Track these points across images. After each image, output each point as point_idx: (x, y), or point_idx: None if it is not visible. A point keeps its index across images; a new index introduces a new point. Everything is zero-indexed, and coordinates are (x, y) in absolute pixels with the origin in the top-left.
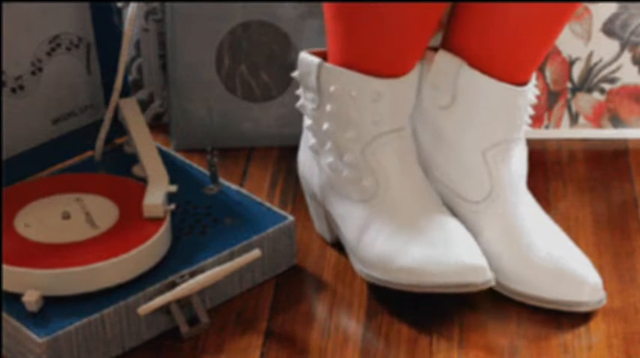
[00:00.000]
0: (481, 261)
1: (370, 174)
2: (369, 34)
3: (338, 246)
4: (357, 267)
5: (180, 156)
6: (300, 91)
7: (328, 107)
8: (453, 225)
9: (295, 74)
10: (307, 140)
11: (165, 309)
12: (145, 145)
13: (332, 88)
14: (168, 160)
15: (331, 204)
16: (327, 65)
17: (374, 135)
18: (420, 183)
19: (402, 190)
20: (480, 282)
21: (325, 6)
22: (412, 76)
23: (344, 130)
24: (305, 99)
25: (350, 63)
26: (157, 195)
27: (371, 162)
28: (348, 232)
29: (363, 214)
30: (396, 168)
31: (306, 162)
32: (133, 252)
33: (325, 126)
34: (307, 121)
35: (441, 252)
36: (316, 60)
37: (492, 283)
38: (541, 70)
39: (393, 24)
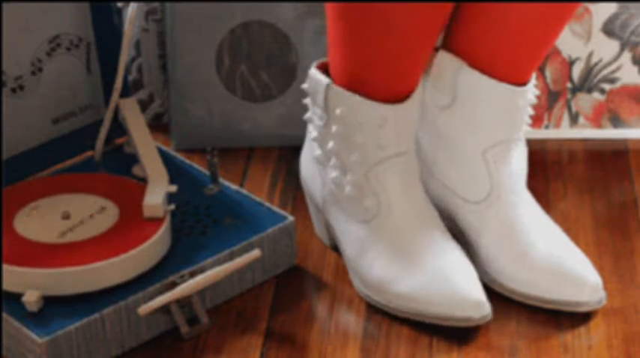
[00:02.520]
0: (480, 294)
1: (372, 195)
2: (373, 35)
3: (337, 248)
4: (356, 283)
5: (180, 156)
6: (307, 101)
7: (334, 128)
8: (453, 252)
9: (305, 86)
10: (312, 149)
11: (165, 309)
12: (145, 145)
13: (338, 111)
14: (168, 160)
15: (332, 217)
16: (335, 88)
17: (379, 159)
18: (422, 205)
19: (403, 213)
20: (478, 317)
21: (328, 6)
22: (416, 100)
23: (349, 152)
24: (313, 113)
25: (352, 71)
26: (156, 195)
27: (374, 184)
28: (348, 249)
29: (363, 234)
30: (399, 190)
31: (309, 168)
32: (133, 252)
33: (330, 144)
34: (313, 133)
35: (440, 282)
36: (325, 80)
37: (489, 318)
38: (541, 70)
39: (397, 25)
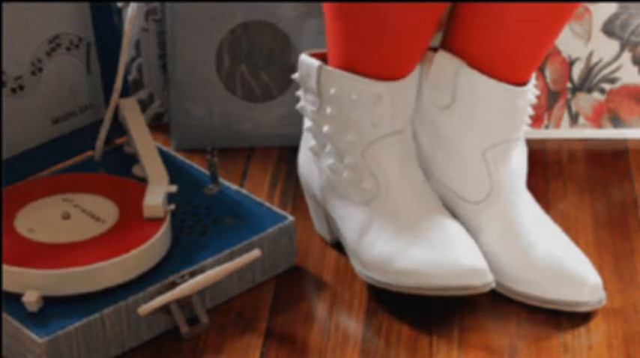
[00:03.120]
0: (481, 263)
1: (370, 176)
2: (370, 34)
3: (338, 246)
4: (357, 268)
5: (180, 156)
6: (300, 93)
7: (328, 110)
8: (453, 226)
9: (295, 76)
10: (307, 141)
11: (165, 309)
12: (145, 145)
13: (332, 91)
14: (168, 160)
15: (331, 206)
16: (327, 68)
17: (374, 137)
18: (420, 184)
19: (402, 192)
20: (480, 285)
21: (325, 6)
22: (412, 79)
23: (344, 133)
24: (305, 101)
25: (350, 65)
26: (157, 196)
27: (371, 165)
28: (348, 233)
29: (363, 216)
30: (396, 170)
31: (306, 163)
32: (133, 252)
33: (325, 128)
34: (307, 123)
35: (441, 255)
36: (316, 62)
37: (492, 285)
38: (541, 70)
39: (393, 24)
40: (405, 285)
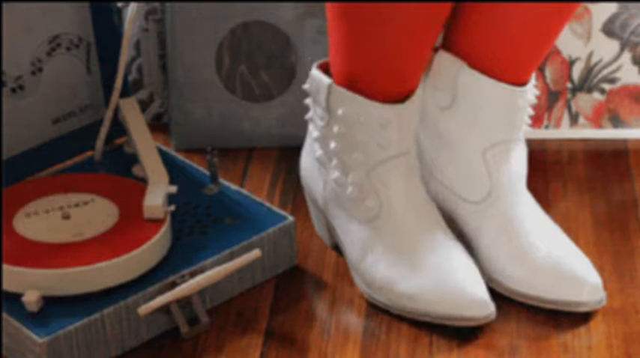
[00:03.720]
0: (483, 293)
1: (374, 195)
2: (373, 36)
3: (338, 248)
4: (358, 282)
5: (180, 156)
6: (309, 102)
7: (336, 128)
8: (456, 251)
9: (306, 86)
10: (313, 150)
11: (165, 309)
12: (145, 145)
13: (340, 112)
14: (168, 160)
15: (334, 218)
16: (337, 88)
17: (381, 159)
18: (423, 204)
19: (405, 213)
20: (482, 316)
21: (328, 6)
22: (416, 100)
23: (351, 152)
24: (314, 113)
25: (353, 72)
26: (157, 196)
27: (375, 184)
28: (350, 249)
29: (365, 234)
30: (401, 190)
31: (310, 168)
32: (133, 252)
33: (332, 144)
34: (314, 133)
35: (444, 283)
36: (326, 80)
37: (493, 317)
38: (541, 70)
39: (396, 25)
40: (406, 310)
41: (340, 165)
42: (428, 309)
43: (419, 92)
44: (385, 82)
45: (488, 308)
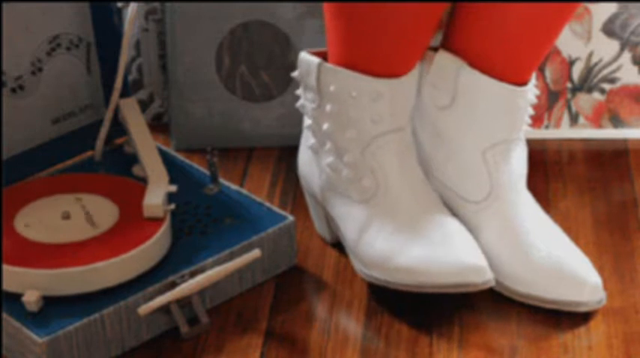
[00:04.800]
0: (481, 260)
1: (370, 174)
2: (370, 33)
3: (338, 246)
4: (357, 266)
5: (180, 156)
6: (300, 91)
7: (328, 107)
8: (452, 224)
9: (295, 74)
10: (307, 140)
11: (165, 309)
12: (145, 145)
13: (332, 88)
14: (168, 160)
15: (331, 205)
16: (327, 65)
17: (374, 135)
18: (419, 182)
19: (401, 190)
20: (480, 282)
21: (325, 5)
22: (412, 76)
23: (344, 130)
24: (305, 99)
25: (350, 63)
26: (157, 195)
27: (370, 162)
28: (348, 232)
29: (362, 214)
30: (396, 168)
31: (306, 162)
32: (133, 252)
33: (325, 126)
34: (307, 121)
35: (440, 252)
36: (316, 60)
37: (492, 283)
38: (541, 70)
39: (393, 23)
40: (405, 283)
41: (334, 147)
42: (426, 280)
43: (415, 70)
44: (381, 68)
45: (486, 274)
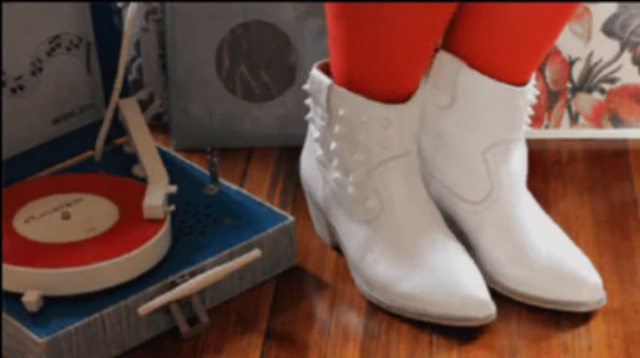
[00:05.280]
0: (485, 294)
1: (375, 195)
2: (372, 37)
3: (338, 247)
4: (358, 282)
5: (180, 156)
6: (309, 102)
7: (337, 128)
8: (456, 252)
9: (306, 87)
10: (313, 150)
11: (165, 309)
12: (145, 145)
13: (341, 112)
14: (168, 160)
15: (334, 217)
16: (338, 88)
17: (382, 159)
18: (424, 205)
19: (406, 213)
20: (483, 317)
21: (327, 7)
22: (417, 100)
23: (352, 152)
24: (315, 114)
25: (353, 72)
26: (157, 196)
27: (376, 184)
28: (350, 249)
29: (365, 235)
30: (401, 190)
31: (310, 168)
32: (134, 252)
33: (333, 145)
34: (315, 133)
35: (444, 282)
36: (327, 81)
37: (493, 317)
38: (541, 70)
39: (396, 27)
40: (406, 309)
41: (341, 165)
42: (428, 309)
43: (420, 92)
44: (385, 82)
45: (489, 309)
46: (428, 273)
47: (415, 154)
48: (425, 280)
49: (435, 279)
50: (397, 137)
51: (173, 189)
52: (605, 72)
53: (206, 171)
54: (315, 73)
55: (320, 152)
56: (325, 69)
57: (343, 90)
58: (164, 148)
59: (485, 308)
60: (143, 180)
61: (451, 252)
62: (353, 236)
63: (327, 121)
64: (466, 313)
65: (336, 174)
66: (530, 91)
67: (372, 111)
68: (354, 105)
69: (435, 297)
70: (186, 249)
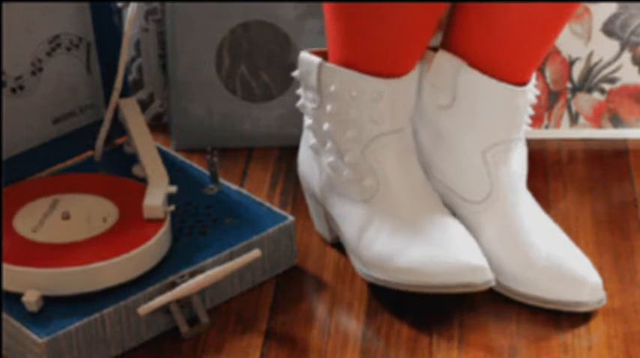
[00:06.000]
0: (481, 260)
1: (370, 174)
2: (370, 33)
3: (338, 245)
4: (357, 266)
5: (180, 156)
6: (300, 91)
7: (328, 107)
8: (452, 224)
9: (296, 74)
10: (307, 139)
11: (165, 309)
12: (145, 145)
13: (332, 88)
14: (168, 160)
15: (331, 205)
16: (328, 65)
17: (374, 135)
18: (420, 182)
19: (401, 190)
20: (480, 282)
21: (325, 5)
22: (412, 76)
23: (344, 130)
24: (305, 99)
25: (350, 62)
26: (157, 196)
27: (371, 162)
28: (348, 232)
29: (363, 214)
30: (396, 168)
31: (306, 161)
32: (133, 252)
33: (325, 126)
34: (307, 121)
35: (440, 252)
36: (316, 59)
37: (492, 283)
38: (541, 70)
39: (393, 23)
40: (405, 283)
41: (334, 147)
42: (426, 280)
43: (416, 70)
44: (381, 68)
45: (486, 275)
46: (424, 245)
47: (409, 132)
48: (420, 252)
49: (430, 250)
50: (389, 112)
51: (173, 189)
52: (605, 72)
53: (206, 171)
54: (304, 54)
55: (313, 140)
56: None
57: (333, 66)
58: (164, 148)
59: (481, 273)
60: (143, 180)
61: (446, 224)
62: (350, 218)
63: (318, 103)
64: (463, 279)
65: (331, 158)
66: (531, 91)
67: (363, 84)
68: (345, 79)
69: (430, 268)
70: (186, 249)
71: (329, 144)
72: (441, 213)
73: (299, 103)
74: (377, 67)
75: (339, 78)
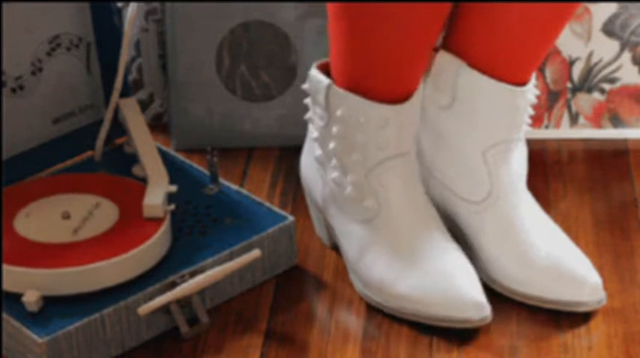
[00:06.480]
0: (480, 296)
1: (372, 195)
2: (373, 34)
3: (337, 248)
4: (356, 283)
5: (180, 156)
6: (308, 102)
7: (335, 129)
8: (453, 253)
9: (305, 86)
10: (312, 149)
11: (165, 309)
12: (145, 145)
13: (339, 112)
14: (168, 160)
15: (333, 218)
16: (336, 89)
17: (379, 159)
18: (422, 205)
19: (403, 213)
20: (478, 319)
21: (329, 5)
22: (416, 100)
23: (350, 152)
24: (313, 114)
25: (353, 70)
26: (156, 196)
27: (374, 185)
28: (348, 250)
29: (364, 236)
30: (399, 191)
31: (310, 168)
32: (133, 252)
33: (331, 145)
34: (314, 133)
35: (440, 283)
36: (325, 81)
37: (489, 320)
38: (541, 70)
39: (396, 25)
40: (402, 311)
41: (339, 165)
42: (424, 310)
43: (419, 93)
44: (386, 82)
45: (484, 311)
46: (424, 274)
47: (414, 155)
48: (420, 281)
49: (431, 280)
50: (395, 137)
51: (173, 188)
52: (605, 72)
53: (206, 171)
54: (314, 72)
55: (319, 152)
56: (324, 69)
57: (341, 91)
58: (164, 148)
59: (479, 309)
60: (143, 180)
61: (448, 254)
62: (351, 236)
63: (325, 121)
64: (460, 314)
65: (335, 174)
66: (531, 91)
67: (370, 111)
68: (353, 105)
69: (430, 298)
70: (186, 249)
71: (334, 161)
72: (443, 238)
73: (307, 116)
74: (381, 77)
75: (346, 103)
